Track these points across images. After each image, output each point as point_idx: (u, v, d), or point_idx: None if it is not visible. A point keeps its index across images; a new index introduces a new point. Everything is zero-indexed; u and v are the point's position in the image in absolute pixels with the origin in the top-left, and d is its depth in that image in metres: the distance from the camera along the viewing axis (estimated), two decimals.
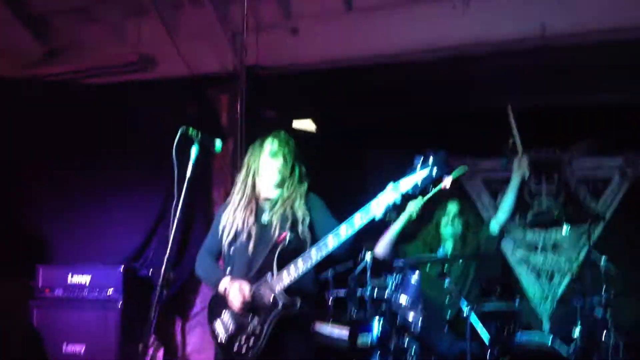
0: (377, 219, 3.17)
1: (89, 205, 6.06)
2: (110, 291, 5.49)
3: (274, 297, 3.31)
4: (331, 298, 5.27)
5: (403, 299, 4.61)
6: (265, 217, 3.51)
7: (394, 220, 5.03)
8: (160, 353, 5.92)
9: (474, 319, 4.46)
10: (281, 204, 3.50)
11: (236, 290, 3.35)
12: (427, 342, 4.65)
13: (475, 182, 7.21)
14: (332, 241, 3.23)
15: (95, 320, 5.42)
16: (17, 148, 6.06)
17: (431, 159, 3.09)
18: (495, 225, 4.92)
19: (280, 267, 3.34)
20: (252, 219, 3.50)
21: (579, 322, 4.82)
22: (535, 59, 5.69)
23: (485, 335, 4.50)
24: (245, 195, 3.57)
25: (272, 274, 3.34)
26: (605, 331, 4.81)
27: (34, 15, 6.38)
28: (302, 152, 3.66)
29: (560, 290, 6.71)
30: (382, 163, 6.82)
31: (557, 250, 6.78)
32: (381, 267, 5.08)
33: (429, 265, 4.99)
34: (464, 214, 5.07)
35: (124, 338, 5.40)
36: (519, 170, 4.87)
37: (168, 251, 3.03)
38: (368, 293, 5.02)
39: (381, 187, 3.19)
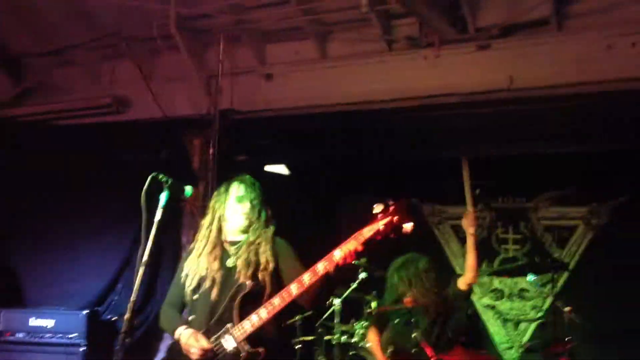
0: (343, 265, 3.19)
1: (57, 247, 6.01)
2: (73, 336, 5.41)
3: (236, 347, 3.27)
4: (298, 345, 5.25)
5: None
6: (230, 262, 3.49)
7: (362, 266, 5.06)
8: None
9: None
10: (246, 248, 3.49)
11: (192, 340, 3.30)
12: None
13: (445, 229, 7.29)
14: (295, 289, 3.22)
15: None
16: None
17: (391, 207, 3.15)
18: (462, 285, 4.94)
19: (242, 314, 3.30)
20: (216, 265, 3.47)
21: None
22: (502, 110, 5.82)
23: None
24: (209, 241, 3.55)
25: (233, 323, 3.30)
26: None
27: (9, 56, 6.40)
28: (273, 196, 3.68)
29: (525, 338, 6.75)
30: (354, 208, 6.88)
31: (523, 297, 6.84)
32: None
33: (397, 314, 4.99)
34: (432, 271, 5.06)
35: None
36: (469, 228, 4.88)
37: (133, 296, 3.00)
38: (335, 339, 5.02)
39: (352, 230, 3.23)
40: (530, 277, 5.57)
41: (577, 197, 6.84)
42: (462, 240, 7.17)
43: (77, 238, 6.01)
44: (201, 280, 3.48)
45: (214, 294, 3.41)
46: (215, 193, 3.70)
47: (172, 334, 3.46)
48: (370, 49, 5.78)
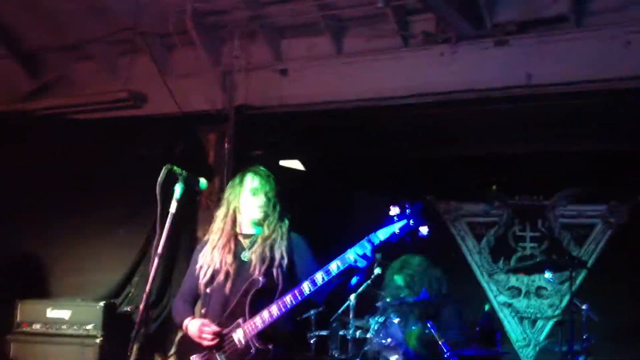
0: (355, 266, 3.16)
1: (74, 240, 6.04)
2: (90, 327, 5.44)
3: (247, 342, 3.25)
4: (313, 339, 5.24)
5: (385, 341, 4.60)
6: (244, 255, 3.47)
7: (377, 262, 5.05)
8: None
9: None
10: (261, 242, 3.45)
11: (203, 326, 3.29)
12: None
13: (461, 225, 7.25)
14: (307, 288, 3.18)
15: (74, 355, 5.35)
16: (1, 181, 6.04)
17: (408, 209, 3.09)
18: None
19: (254, 309, 3.28)
20: (230, 258, 3.44)
21: None
22: (519, 107, 5.78)
23: None
24: (224, 233, 3.53)
25: (245, 319, 3.29)
26: None
27: (27, 51, 6.45)
28: (288, 191, 3.66)
29: (542, 336, 6.71)
30: (368, 204, 6.86)
31: (540, 295, 6.80)
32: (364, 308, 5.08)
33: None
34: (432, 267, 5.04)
35: None
36: None
37: (147, 288, 3.01)
38: (350, 333, 5.01)
39: (367, 227, 3.19)
40: (548, 275, 5.53)
41: (596, 195, 6.78)
42: (479, 238, 7.14)
43: (93, 231, 6.04)
44: (215, 273, 3.46)
45: (227, 287, 3.40)
46: (229, 184, 3.67)
47: (181, 325, 3.46)
48: (386, 45, 5.77)
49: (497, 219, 7.05)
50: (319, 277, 3.17)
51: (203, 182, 3.29)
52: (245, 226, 3.56)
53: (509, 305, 6.89)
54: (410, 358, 4.64)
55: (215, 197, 5.91)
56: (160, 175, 3.08)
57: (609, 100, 5.49)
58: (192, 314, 3.50)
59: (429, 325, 4.64)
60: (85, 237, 6.04)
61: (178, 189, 3.15)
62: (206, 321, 3.33)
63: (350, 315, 5.20)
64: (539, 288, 6.80)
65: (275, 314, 3.23)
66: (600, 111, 5.77)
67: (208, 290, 3.47)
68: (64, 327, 5.47)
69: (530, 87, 5.37)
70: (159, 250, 3.04)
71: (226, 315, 3.34)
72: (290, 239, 3.52)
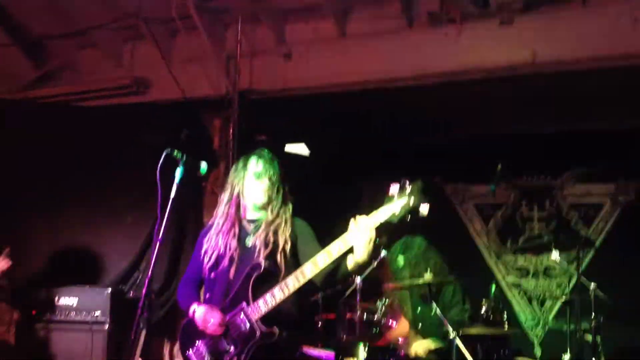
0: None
1: (78, 226, 6.05)
2: (97, 313, 5.46)
3: (251, 326, 3.25)
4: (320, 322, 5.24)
5: (393, 322, 4.60)
6: (248, 241, 3.47)
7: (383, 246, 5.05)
8: None
9: (459, 344, 4.44)
10: (265, 227, 3.45)
11: (208, 315, 3.30)
12: None
13: (468, 207, 7.22)
14: (309, 271, 3.18)
15: (82, 342, 5.38)
16: (7, 169, 6.06)
17: (408, 187, 3.05)
18: None
19: (257, 294, 3.27)
20: (234, 243, 3.44)
21: (569, 348, 4.81)
22: (525, 86, 5.74)
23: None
24: (228, 217, 3.52)
25: (248, 303, 3.28)
26: (594, 356, 4.80)
27: (30, 38, 6.45)
28: (292, 175, 3.63)
29: (551, 316, 6.70)
30: (374, 187, 6.81)
31: (548, 275, 6.78)
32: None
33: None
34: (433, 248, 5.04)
35: None
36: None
37: (150, 272, 3.02)
38: (357, 316, 5.01)
39: (372, 211, 3.15)
40: (556, 254, 5.51)
41: (604, 174, 6.72)
42: (486, 219, 7.11)
43: (99, 218, 6.05)
44: (219, 258, 3.46)
45: (231, 272, 3.39)
46: (233, 168, 3.65)
47: (187, 310, 3.46)
48: (391, 27, 5.73)
49: (505, 200, 7.01)
50: (321, 259, 3.16)
51: (204, 165, 3.29)
52: (250, 210, 3.55)
53: (518, 285, 6.87)
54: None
55: (221, 183, 5.92)
56: (161, 159, 3.08)
57: (615, 77, 5.44)
58: (197, 299, 3.51)
59: (434, 305, 4.65)
60: (93, 224, 6.05)
61: (178, 173, 3.15)
62: (211, 309, 3.33)
63: (357, 298, 5.20)
64: (547, 268, 6.77)
65: (279, 297, 3.22)
66: (607, 89, 5.71)
67: (212, 275, 3.48)
68: (72, 313, 5.50)
69: (535, 65, 5.33)
70: (160, 235, 3.04)
71: (230, 299, 3.34)
72: (294, 224, 3.51)
